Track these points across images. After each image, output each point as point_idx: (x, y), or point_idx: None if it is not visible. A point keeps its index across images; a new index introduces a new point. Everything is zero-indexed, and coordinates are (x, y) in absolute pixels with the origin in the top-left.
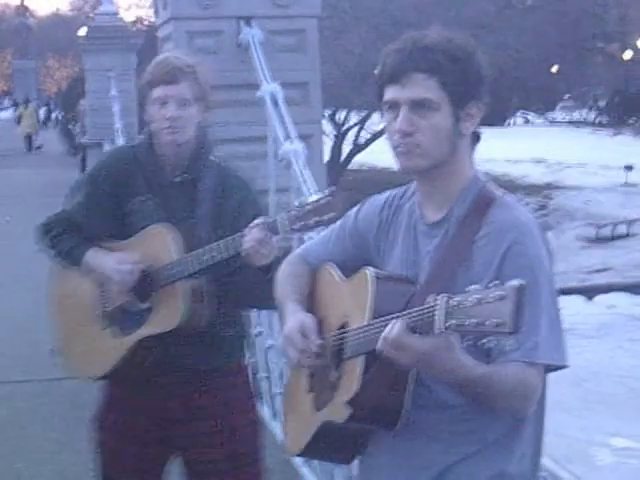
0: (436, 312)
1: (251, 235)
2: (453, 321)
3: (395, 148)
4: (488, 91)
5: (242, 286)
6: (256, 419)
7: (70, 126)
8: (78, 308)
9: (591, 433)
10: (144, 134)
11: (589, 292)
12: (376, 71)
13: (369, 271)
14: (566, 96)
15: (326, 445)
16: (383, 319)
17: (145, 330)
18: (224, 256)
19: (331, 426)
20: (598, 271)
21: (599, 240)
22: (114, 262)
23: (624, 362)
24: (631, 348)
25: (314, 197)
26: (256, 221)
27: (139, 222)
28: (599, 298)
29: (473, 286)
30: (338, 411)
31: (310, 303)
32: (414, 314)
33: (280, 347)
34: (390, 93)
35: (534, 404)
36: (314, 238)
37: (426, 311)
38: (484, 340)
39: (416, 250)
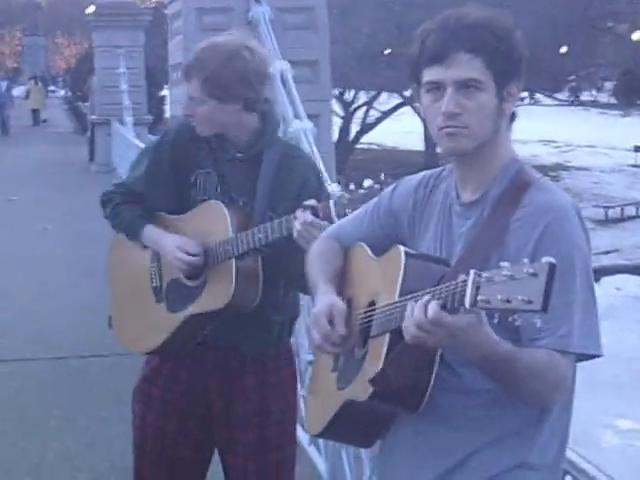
0: (466, 287)
1: (302, 218)
2: (482, 297)
3: (440, 130)
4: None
5: (294, 269)
6: (293, 404)
7: (80, 103)
8: (134, 280)
9: (597, 415)
10: None
11: (596, 274)
12: (411, 50)
13: (401, 248)
14: (572, 77)
15: (346, 426)
16: (411, 296)
17: (195, 307)
18: (276, 236)
19: (353, 405)
20: (605, 252)
21: (607, 221)
22: (173, 247)
23: (631, 344)
24: (638, 330)
25: (367, 182)
26: (307, 203)
27: (199, 195)
28: (606, 280)
29: (503, 263)
30: (361, 389)
31: (341, 281)
32: (443, 290)
33: (306, 326)
34: (433, 74)
35: (562, 394)
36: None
37: (456, 287)
38: (511, 318)
39: (450, 231)
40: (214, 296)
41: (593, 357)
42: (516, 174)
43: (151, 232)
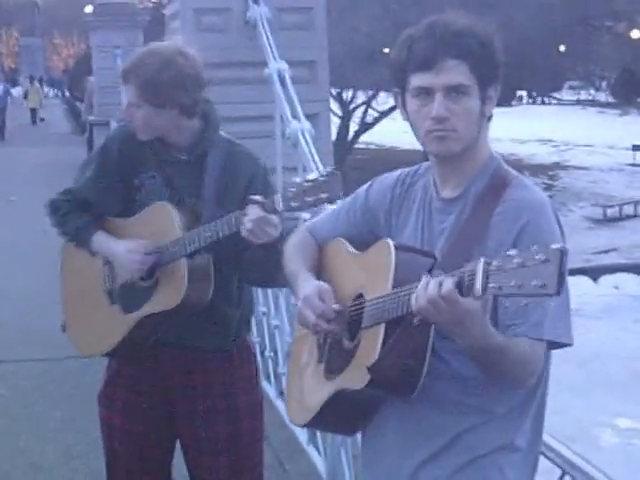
0: (476, 275)
1: (250, 214)
2: (493, 284)
3: (428, 133)
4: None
5: (247, 264)
6: (259, 398)
7: (78, 103)
8: (86, 283)
9: (595, 414)
10: None
11: (594, 273)
12: (396, 56)
13: (389, 241)
14: (569, 77)
15: (335, 415)
16: (408, 287)
17: (148, 308)
18: (226, 233)
19: (345, 394)
20: (604, 252)
21: (606, 220)
22: (125, 251)
23: (629, 343)
24: (636, 329)
25: (312, 175)
26: (254, 198)
27: (146, 199)
28: (604, 279)
29: (511, 251)
30: (356, 378)
31: (319, 276)
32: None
33: (297, 311)
34: (422, 80)
35: (535, 379)
36: (320, 214)
37: (463, 274)
38: (524, 302)
39: (430, 226)
40: (166, 296)
41: (564, 346)
42: (495, 171)
43: (100, 239)
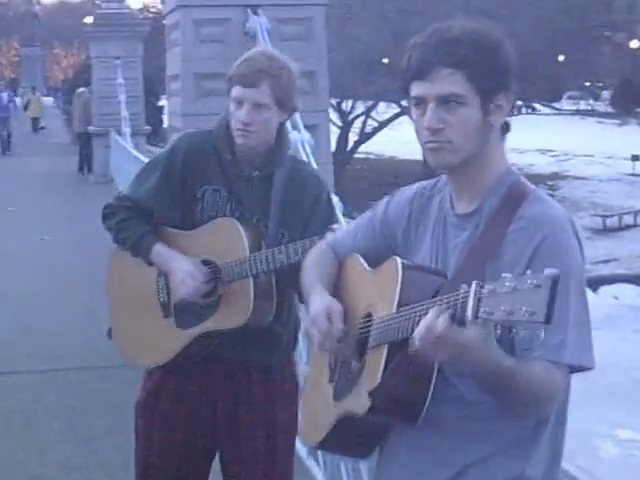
0: (468, 299)
1: None
2: (485, 309)
3: (424, 144)
4: (517, 80)
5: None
6: (297, 414)
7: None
8: (139, 293)
9: (595, 424)
10: (221, 122)
11: (594, 283)
12: (401, 64)
13: (397, 259)
14: (568, 87)
15: (344, 438)
16: (410, 307)
17: (211, 324)
18: (300, 259)
19: (351, 418)
20: (603, 262)
21: (605, 230)
22: (184, 272)
23: (629, 353)
24: (636, 339)
25: None
26: (335, 226)
27: (207, 211)
28: (604, 289)
29: (505, 274)
30: (359, 402)
31: (336, 292)
32: (444, 302)
33: (305, 328)
34: (417, 89)
35: (555, 405)
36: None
37: (457, 298)
38: (514, 330)
39: (445, 242)
40: (231, 314)
41: (584, 369)
42: (512, 185)
43: (160, 251)
